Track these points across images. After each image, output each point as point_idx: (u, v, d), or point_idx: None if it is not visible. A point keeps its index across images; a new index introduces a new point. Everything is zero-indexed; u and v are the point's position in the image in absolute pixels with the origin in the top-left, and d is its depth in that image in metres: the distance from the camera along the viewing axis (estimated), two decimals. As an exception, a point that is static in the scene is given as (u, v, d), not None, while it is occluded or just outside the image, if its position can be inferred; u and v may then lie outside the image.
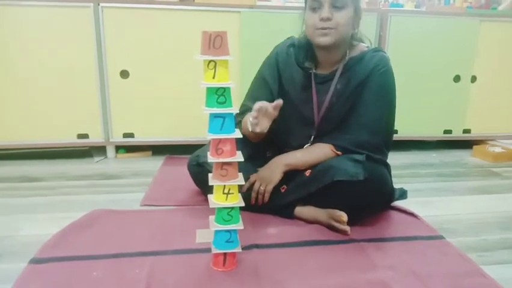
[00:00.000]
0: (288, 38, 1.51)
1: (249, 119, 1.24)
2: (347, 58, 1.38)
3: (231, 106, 1.01)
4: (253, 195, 1.40)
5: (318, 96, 1.41)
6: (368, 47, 1.42)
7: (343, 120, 1.40)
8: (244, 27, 2.12)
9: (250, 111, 1.38)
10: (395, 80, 1.40)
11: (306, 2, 1.35)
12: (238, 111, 1.44)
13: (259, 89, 1.49)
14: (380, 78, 1.36)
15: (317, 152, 1.40)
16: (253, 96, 1.48)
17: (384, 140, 1.40)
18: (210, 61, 0.96)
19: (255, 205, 1.41)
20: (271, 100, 1.40)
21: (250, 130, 1.25)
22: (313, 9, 1.30)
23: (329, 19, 1.28)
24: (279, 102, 1.21)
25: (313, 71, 1.42)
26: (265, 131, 1.25)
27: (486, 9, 2.48)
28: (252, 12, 2.12)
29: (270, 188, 1.38)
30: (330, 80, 1.40)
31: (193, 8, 2.07)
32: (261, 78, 1.50)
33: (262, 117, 1.23)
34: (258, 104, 1.20)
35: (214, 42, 0.94)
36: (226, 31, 0.95)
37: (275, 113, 1.24)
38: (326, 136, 1.42)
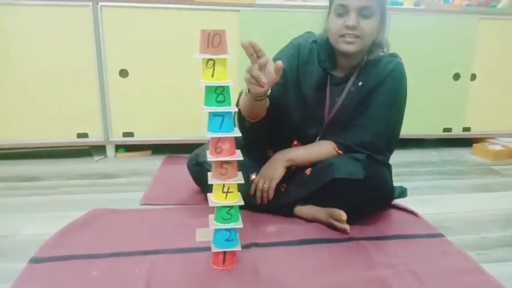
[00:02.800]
0: (307, 33, 1.46)
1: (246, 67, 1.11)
2: (363, 62, 1.36)
3: (230, 105, 1.01)
4: (258, 194, 1.40)
5: (331, 97, 1.40)
6: (383, 51, 1.39)
7: (351, 121, 1.39)
8: (243, 26, 2.12)
9: None
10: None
11: (331, 4, 1.30)
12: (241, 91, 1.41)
13: None
14: (393, 84, 1.36)
15: (319, 150, 1.40)
16: None
17: (388, 143, 1.40)
18: (209, 60, 0.96)
19: (260, 204, 1.41)
20: (283, 89, 1.36)
21: (244, 93, 1.18)
22: (339, 15, 1.26)
23: (354, 28, 1.25)
24: (280, 64, 1.08)
25: (331, 72, 1.39)
26: (262, 90, 1.13)
27: (485, 7, 2.47)
28: (251, 10, 2.12)
29: (273, 184, 1.38)
30: (344, 83, 1.39)
31: (192, 7, 2.06)
32: None
33: (259, 67, 1.08)
34: (256, 42, 1.05)
35: (213, 41, 0.94)
36: (224, 30, 0.95)
37: (275, 77, 1.12)
38: (330, 135, 1.42)
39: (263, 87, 1.11)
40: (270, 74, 1.11)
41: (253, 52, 1.06)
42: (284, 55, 1.41)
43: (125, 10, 2.03)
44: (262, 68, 1.09)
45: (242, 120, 1.32)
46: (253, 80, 1.10)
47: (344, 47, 1.29)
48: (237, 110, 1.22)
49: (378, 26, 1.30)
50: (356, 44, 1.28)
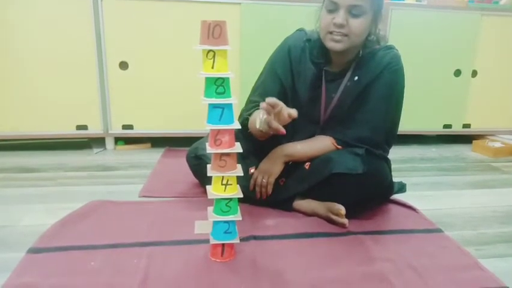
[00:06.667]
0: (299, 30, 1.44)
1: (259, 115, 1.19)
2: (359, 56, 1.35)
3: (230, 96, 1.00)
4: (257, 189, 1.40)
5: (327, 94, 1.39)
6: (379, 44, 1.37)
7: (348, 117, 1.38)
8: (244, 19, 2.11)
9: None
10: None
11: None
12: (244, 107, 1.45)
13: (271, 84, 1.42)
14: (390, 76, 1.34)
15: (317, 145, 1.40)
16: (264, 91, 1.41)
17: (386, 137, 1.39)
18: (209, 51, 0.96)
19: (259, 199, 1.41)
20: (283, 96, 1.39)
21: (258, 127, 1.22)
22: (329, 11, 1.25)
23: (342, 26, 1.23)
24: (295, 114, 1.16)
25: (325, 68, 1.38)
26: (274, 131, 1.19)
27: (487, 3, 2.46)
28: (252, 4, 2.11)
29: (272, 180, 1.38)
30: (340, 78, 1.37)
31: (193, 0, 2.05)
32: (273, 72, 1.42)
33: (274, 116, 1.17)
34: (273, 99, 1.12)
35: (213, 32, 0.93)
36: (225, 20, 0.94)
37: (288, 119, 1.18)
38: (329, 130, 1.42)
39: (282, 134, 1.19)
40: (284, 117, 1.17)
41: (271, 108, 1.13)
42: (279, 64, 1.41)
43: (126, 2, 2.02)
44: (277, 115, 1.16)
45: (249, 137, 1.32)
46: (271, 130, 1.17)
47: (331, 44, 1.28)
48: (239, 114, 1.24)
49: (370, 24, 1.28)
50: (343, 43, 1.26)
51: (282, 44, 1.45)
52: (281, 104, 1.15)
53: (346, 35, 1.25)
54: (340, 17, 1.22)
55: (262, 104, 1.12)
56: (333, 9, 1.24)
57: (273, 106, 1.13)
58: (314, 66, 1.38)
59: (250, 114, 1.35)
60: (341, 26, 1.23)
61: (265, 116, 1.16)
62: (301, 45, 1.40)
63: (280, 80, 1.40)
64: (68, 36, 2.01)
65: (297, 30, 1.45)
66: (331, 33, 1.26)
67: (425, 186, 1.79)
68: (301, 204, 1.42)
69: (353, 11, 1.22)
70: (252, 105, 1.40)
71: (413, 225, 1.37)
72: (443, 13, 2.31)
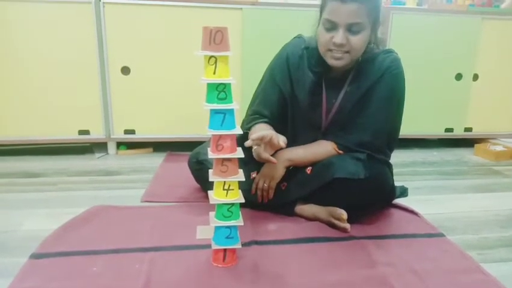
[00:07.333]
0: (297, 37, 1.44)
1: (253, 148, 1.23)
2: (359, 61, 1.34)
3: (232, 102, 1.01)
4: (259, 193, 1.40)
5: (328, 100, 1.39)
6: (378, 48, 1.37)
7: (349, 122, 1.38)
8: (245, 24, 2.12)
9: (262, 118, 1.40)
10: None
11: (321, 14, 1.27)
12: (245, 117, 1.46)
13: (270, 91, 1.43)
14: (391, 81, 1.34)
15: (319, 150, 1.40)
16: (265, 100, 1.43)
17: (388, 142, 1.39)
18: (211, 57, 0.96)
19: (261, 203, 1.41)
20: (283, 103, 1.42)
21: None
22: (327, 29, 1.23)
23: (342, 45, 1.22)
24: (283, 144, 1.23)
25: (325, 75, 1.38)
26: (264, 161, 1.27)
27: (488, 7, 2.47)
28: (253, 9, 2.12)
29: (273, 184, 1.38)
30: (341, 84, 1.37)
31: (194, 5, 2.06)
32: (272, 80, 1.43)
33: (265, 145, 1.23)
34: (259, 135, 1.19)
35: (215, 38, 0.94)
36: (226, 27, 0.95)
37: (279, 146, 1.23)
38: (330, 135, 1.42)
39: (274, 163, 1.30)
40: (275, 144, 1.23)
41: (259, 141, 1.21)
42: (278, 72, 1.42)
43: (128, 7, 2.03)
44: (268, 143, 1.24)
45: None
46: (262, 160, 1.27)
47: (332, 61, 1.28)
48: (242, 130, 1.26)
49: (369, 35, 1.27)
50: (345, 59, 1.26)
51: (280, 51, 1.45)
52: (269, 134, 1.21)
53: (347, 52, 1.25)
54: (339, 37, 1.21)
55: (248, 142, 1.19)
56: (331, 28, 1.23)
57: (260, 139, 1.20)
58: (313, 74, 1.38)
59: (249, 128, 1.38)
60: (341, 45, 1.23)
61: (255, 147, 1.21)
62: (300, 52, 1.40)
63: (279, 87, 1.41)
64: (71, 41, 2.02)
65: (295, 37, 1.45)
66: (331, 50, 1.26)
67: (426, 190, 1.79)
68: (303, 208, 1.42)
69: (352, 29, 1.21)
70: (252, 117, 1.43)
71: (415, 229, 1.37)
72: (443, 17, 2.31)
